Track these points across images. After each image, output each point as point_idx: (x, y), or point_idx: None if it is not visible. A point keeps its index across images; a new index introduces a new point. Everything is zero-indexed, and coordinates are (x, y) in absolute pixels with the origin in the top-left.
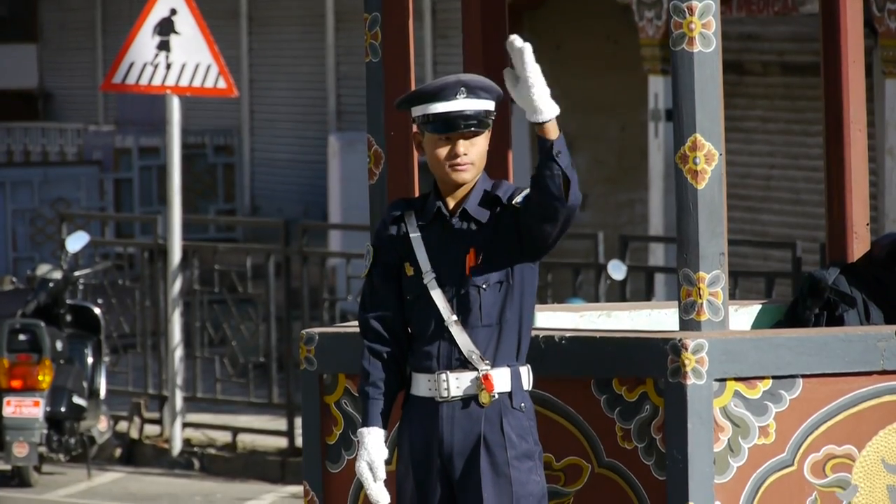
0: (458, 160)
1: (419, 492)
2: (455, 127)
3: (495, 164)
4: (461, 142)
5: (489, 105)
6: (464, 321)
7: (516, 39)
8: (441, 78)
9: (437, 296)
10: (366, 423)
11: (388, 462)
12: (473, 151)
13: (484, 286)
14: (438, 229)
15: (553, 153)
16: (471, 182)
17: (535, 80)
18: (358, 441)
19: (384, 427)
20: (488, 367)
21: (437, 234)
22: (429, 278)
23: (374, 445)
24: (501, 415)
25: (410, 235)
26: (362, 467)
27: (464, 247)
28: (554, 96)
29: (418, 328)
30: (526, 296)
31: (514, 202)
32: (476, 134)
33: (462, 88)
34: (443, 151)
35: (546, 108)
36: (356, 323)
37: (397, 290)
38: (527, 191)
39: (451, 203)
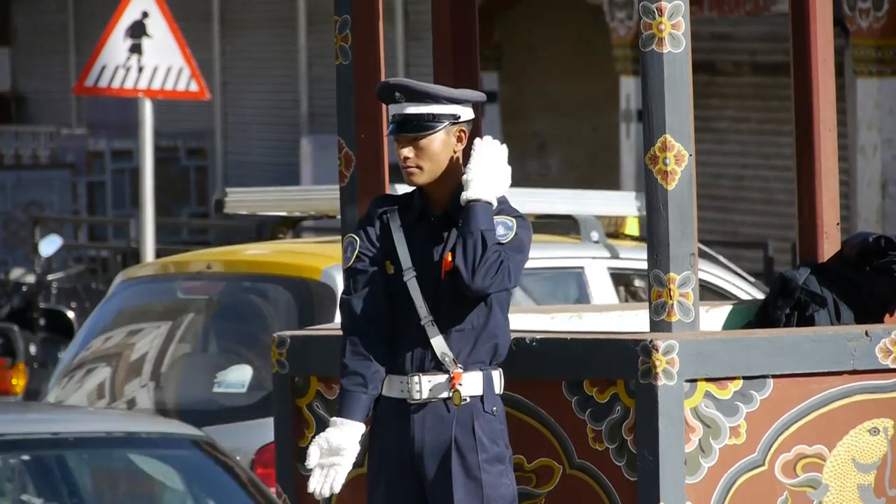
0: (404, 163)
1: (390, 494)
2: (398, 129)
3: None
4: (404, 145)
5: (436, 109)
6: (439, 323)
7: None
8: (383, 80)
9: (416, 295)
10: (339, 414)
11: (359, 465)
12: (422, 155)
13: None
14: (421, 229)
15: (465, 232)
16: (441, 184)
17: (474, 162)
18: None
19: (360, 420)
20: (461, 370)
21: (419, 234)
22: (409, 276)
23: (334, 434)
24: (473, 418)
25: (393, 233)
26: (312, 448)
27: (442, 249)
28: (526, 97)
29: (394, 328)
30: (503, 299)
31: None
32: (418, 138)
33: (397, 93)
34: (397, 153)
35: (472, 188)
36: (328, 325)
37: (381, 280)
38: (504, 232)
39: (434, 203)
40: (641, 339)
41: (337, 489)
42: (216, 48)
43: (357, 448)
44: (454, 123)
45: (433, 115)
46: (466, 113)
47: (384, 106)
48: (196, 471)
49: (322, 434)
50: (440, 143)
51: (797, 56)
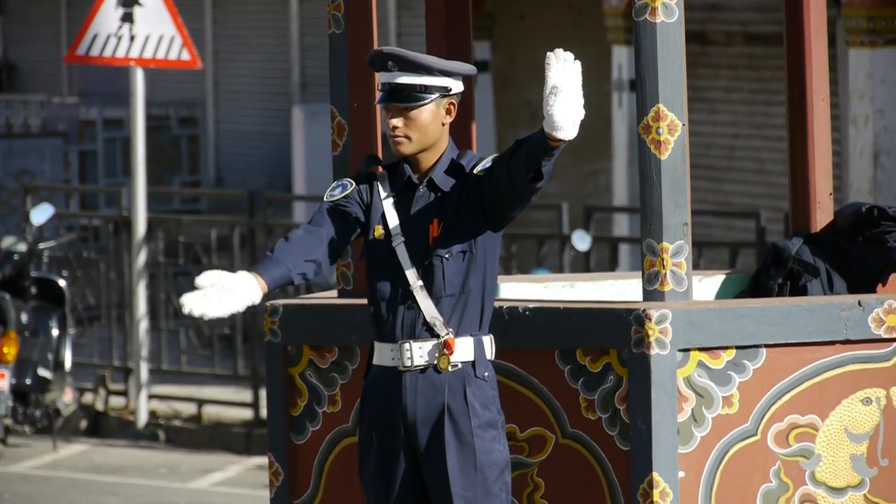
0: (392, 132)
1: (383, 461)
2: (387, 98)
3: (459, 135)
4: (393, 114)
5: (428, 80)
6: (428, 290)
7: (558, 51)
8: (376, 48)
9: (405, 261)
10: (251, 269)
11: (351, 433)
12: (410, 125)
13: (447, 256)
14: (407, 196)
15: (546, 157)
16: (427, 153)
17: (559, 92)
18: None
19: (265, 281)
20: (451, 334)
21: (405, 201)
22: (398, 241)
23: (230, 276)
24: (465, 384)
25: (383, 198)
26: (209, 274)
27: (428, 215)
28: (518, 66)
29: (381, 294)
30: (489, 265)
31: (475, 171)
32: (409, 108)
33: (390, 62)
34: (386, 122)
35: (564, 126)
36: (320, 294)
37: (348, 229)
38: (489, 160)
39: (419, 171)
40: (634, 308)
41: (208, 314)
42: (208, 17)
43: (244, 298)
44: (445, 96)
45: (425, 86)
46: (457, 86)
47: (377, 75)
48: None
49: (220, 272)
50: (429, 115)
51: (790, 26)
